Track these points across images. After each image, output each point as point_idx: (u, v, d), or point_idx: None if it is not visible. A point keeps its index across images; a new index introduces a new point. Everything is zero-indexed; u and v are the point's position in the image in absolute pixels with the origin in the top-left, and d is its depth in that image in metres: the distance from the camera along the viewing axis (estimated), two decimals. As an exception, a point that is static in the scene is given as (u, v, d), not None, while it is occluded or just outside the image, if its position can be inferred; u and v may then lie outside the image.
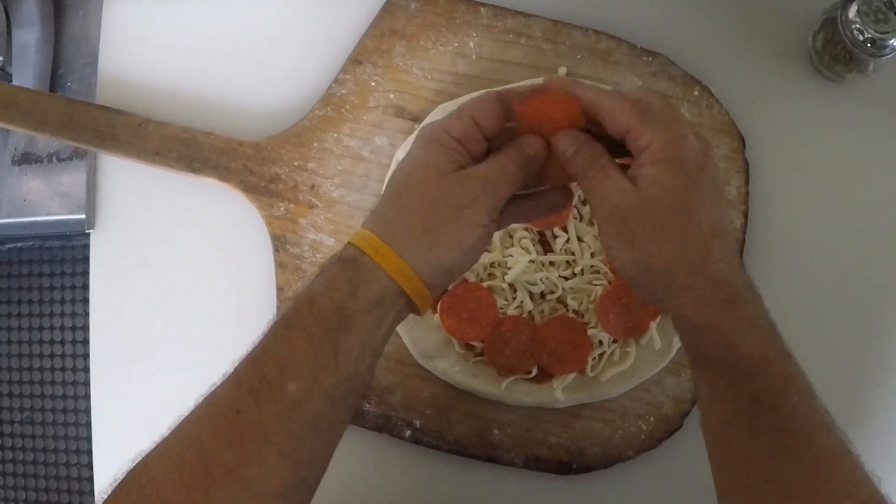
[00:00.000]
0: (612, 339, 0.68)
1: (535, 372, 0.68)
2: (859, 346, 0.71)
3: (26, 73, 0.84)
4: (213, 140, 0.71)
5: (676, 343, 0.68)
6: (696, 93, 0.72)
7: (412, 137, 0.68)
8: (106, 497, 0.45)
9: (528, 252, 0.68)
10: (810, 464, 0.47)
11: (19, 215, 0.92)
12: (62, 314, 1.13)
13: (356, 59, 0.72)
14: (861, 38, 0.68)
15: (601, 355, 0.68)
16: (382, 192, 0.55)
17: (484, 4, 0.73)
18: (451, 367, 0.68)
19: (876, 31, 0.68)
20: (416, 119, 0.71)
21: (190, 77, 0.75)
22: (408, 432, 0.69)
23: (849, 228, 0.72)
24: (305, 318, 0.47)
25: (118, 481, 0.45)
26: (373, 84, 0.72)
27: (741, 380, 0.49)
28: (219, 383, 0.47)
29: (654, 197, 0.48)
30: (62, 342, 1.10)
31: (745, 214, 0.71)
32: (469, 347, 0.69)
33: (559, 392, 0.68)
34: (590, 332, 0.68)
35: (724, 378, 0.50)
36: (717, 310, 0.48)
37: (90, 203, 0.74)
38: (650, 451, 0.69)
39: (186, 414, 0.47)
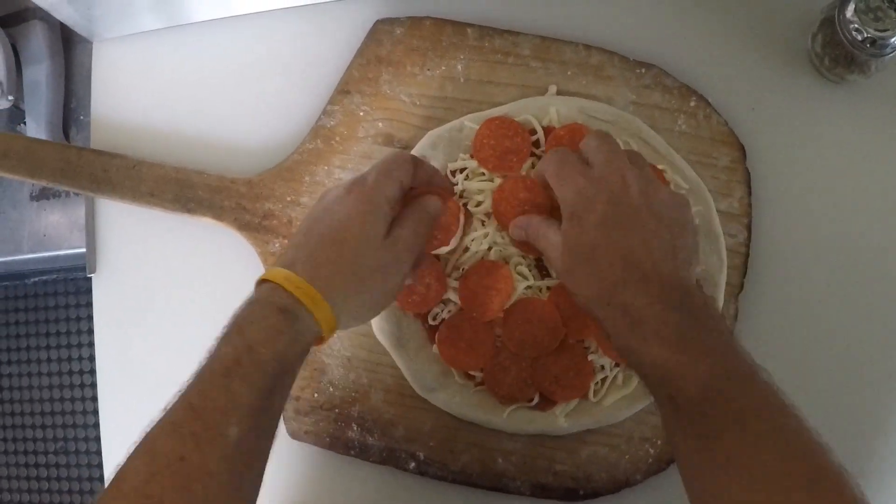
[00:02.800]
0: (613, 363, 0.67)
1: (536, 399, 0.67)
2: (869, 352, 0.69)
3: (38, 109, 0.86)
4: (206, 179, 0.71)
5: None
6: (692, 103, 0.70)
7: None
8: None
9: (525, 278, 0.67)
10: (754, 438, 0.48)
11: (41, 250, 0.95)
12: (90, 344, 1.15)
13: (343, 89, 0.71)
14: (860, 38, 0.65)
15: (604, 380, 0.67)
16: (305, 229, 0.58)
17: (471, 25, 0.72)
18: (452, 399, 0.67)
19: (875, 31, 0.65)
20: (406, 147, 0.70)
21: (181, 116, 0.75)
22: (412, 464, 0.68)
23: (857, 235, 0.70)
24: (246, 367, 0.50)
25: None
26: (361, 114, 0.71)
27: (652, 385, 0.54)
28: (152, 431, 0.48)
29: (568, 248, 0.57)
30: (91, 371, 1.12)
31: (749, 227, 0.69)
32: (469, 377, 0.68)
33: (562, 419, 0.66)
34: (590, 357, 0.67)
35: (650, 385, 0.55)
36: (625, 332, 0.54)
37: (90, 247, 0.75)
38: (658, 475, 0.67)
39: (123, 467, 0.47)
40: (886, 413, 0.68)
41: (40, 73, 0.86)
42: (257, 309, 0.53)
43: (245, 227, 0.71)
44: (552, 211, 0.65)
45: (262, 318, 0.52)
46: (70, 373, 1.13)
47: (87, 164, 0.73)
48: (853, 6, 0.65)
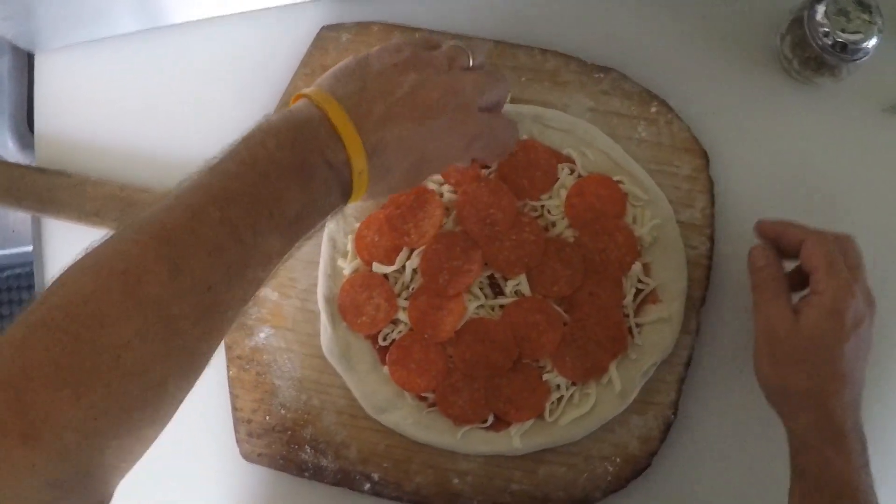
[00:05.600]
0: (570, 382, 0.65)
1: (491, 420, 0.66)
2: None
3: (2, 101, 0.84)
4: (151, 197, 0.69)
5: (639, 382, 0.65)
6: (653, 109, 0.67)
7: None
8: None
9: (477, 297, 0.65)
10: None
11: (10, 246, 0.94)
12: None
13: (288, 100, 0.69)
14: (830, 42, 0.62)
15: (559, 399, 0.65)
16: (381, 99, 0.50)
17: (420, 30, 0.68)
18: (405, 420, 0.66)
19: (847, 35, 0.61)
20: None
21: (126, 129, 0.72)
22: (367, 485, 0.67)
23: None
24: (309, 217, 0.47)
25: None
26: (307, 126, 0.68)
27: (826, 494, 0.56)
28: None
29: (809, 336, 0.56)
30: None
31: (711, 238, 0.67)
32: (422, 398, 0.66)
33: (517, 440, 0.65)
34: (545, 376, 0.65)
35: (813, 490, 0.57)
36: (821, 436, 0.57)
37: (38, 269, 0.74)
38: (618, 492, 0.66)
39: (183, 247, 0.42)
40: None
41: (2, 67, 0.84)
42: (328, 174, 0.47)
43: (192, 245, 0.69)
44: (517, 216, 0.64)
45: (328, 186, 0.47)
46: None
47: (31, 184, 0.71)
48: (823, 8, 0.62)
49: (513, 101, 0.67)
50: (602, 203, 0.65)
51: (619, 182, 0.65)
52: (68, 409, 0.39)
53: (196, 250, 0.42)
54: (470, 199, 0.65)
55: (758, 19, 0.68)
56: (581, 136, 0.66)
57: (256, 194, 0.44)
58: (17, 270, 1.21)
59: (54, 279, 0.41)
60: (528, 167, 0.65)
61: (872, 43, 0.62)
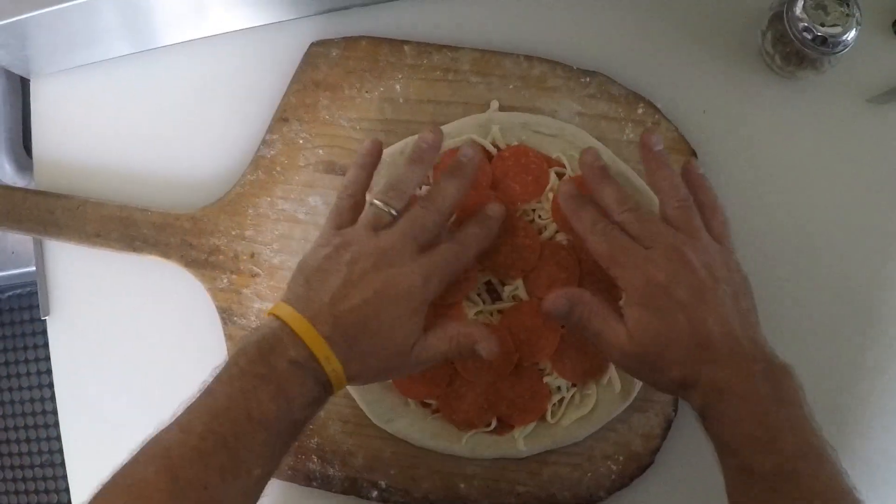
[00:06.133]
0: (570, 384, 0.66)
1: (494, 424, 0.66)
2: (825, 351, 0.68)
3: None
4: (150, 216, 0.70)
5: (639, 381, 0.66)
6: (640, 111, 0.68)
7: None
8: None
9: (475, 304, 0.66)
10: None
11: (10, 267, 0.95)
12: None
13: (281, 116, 0.70)
14: (810, 37, 0.63)
15: (561, 401, 0.66)
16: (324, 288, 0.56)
17: (407, 42, 0.69)
18: (410, 427, 0.67)
19: (826, 29, 0.62)
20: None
21: (123, 151, 0.73)
22: (374, 493, 0.68)
23: (814, 237, 0.68)
24: (283, 421, 0.53)
25: None
26: (301, 141, 0.69)
27: (726, 453, 0.53)
28: (170, 448, 0.50)
29: (640, 342, 0.55)
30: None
31: (703, 235, 0.67)
32: (425, 404, 0.67)
33: (521, 442, 0.66)
34: (546, 378, 0.66)
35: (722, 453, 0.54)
36: (716, 406, 0.53)
37: (42, 290, 0.75)
38: (622, 490, 0.67)
39: (138, 478, 0.50)
40: (843, 412, 0.68)
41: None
42: (296, 370, 0.53)
43: (192, 263, 0.70)
44: (512, 221, 0.65)
45: (300, 380, 0.53)
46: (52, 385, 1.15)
47: (32, 207, 0.72)
48: (801, 3, 0.63)
49: (502, 108, 0.68)
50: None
51: (609, 184, 0.66)
52: None
53: (188, 459, 0.50)
54: (464, 208, 0.66)
55: (739, 16, 0.69)
56: (570, 140, 0.67)
57: (234, 406, 0.52)
58: (19, 291, 1.23)
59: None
60: (520, 172, 0.66)
61: (851, 35, 0.63)
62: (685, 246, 0.56)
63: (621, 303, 0.59)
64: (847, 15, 0.63)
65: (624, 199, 0.59)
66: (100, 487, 0.50)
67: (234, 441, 0.51)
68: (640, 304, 0.55)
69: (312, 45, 0.70)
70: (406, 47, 0.69)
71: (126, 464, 0.51)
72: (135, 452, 0.51)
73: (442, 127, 0.66)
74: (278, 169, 0.70)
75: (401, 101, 0.69)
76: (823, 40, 0.63)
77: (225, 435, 0.51)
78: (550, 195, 0.66)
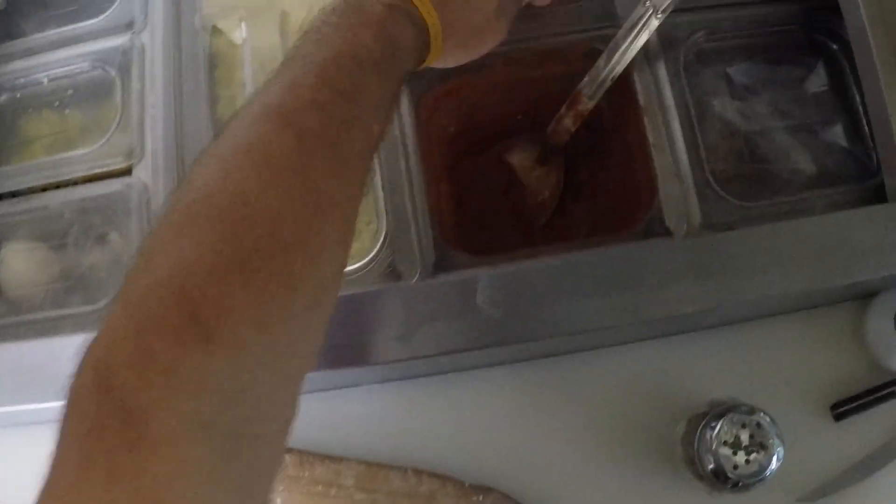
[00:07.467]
0: None
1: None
2: None
3: None
4: None
5: None
6: (541, 531, 0.60)
7: None
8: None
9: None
10: None
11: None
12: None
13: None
14: (722, 479, 0.55)
15: None
16: None
17: (289, 450, 0.64)
18: None
19: (740, 471, 0.54)
20: None
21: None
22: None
23: None
24: (390, 64, 0.49)
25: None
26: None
27: None
28: (284, 101, 0.43)
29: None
30: None
31: None
32: None
33: None
34: None
35: None
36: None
37: None
38: None
39: (254, 132, 0.41)
40: None
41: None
42: (393, 13, 0.50)
43: None
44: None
45: (400, 23, 0.50)
46: None
47: None
48: (713, 440, 0.55)
49: None
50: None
51: None
52: (240, 298, 0.36)
53: (307, 113, 0.43)
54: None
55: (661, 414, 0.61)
56: None
57: (341, 54, 0.46)
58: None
59: (179, 181, 0.42)
60: None
61: (772, 468, 0.55)
62: None
63: None
64: (767, 452, 0.54)
65: None
66: (203, 155, 0.41)
67: (351, 88, 0.45)
68: None
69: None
70: (288, 456, 0.64)
71: (230, 126, 0.43)
72: (232, 119, 0.43)
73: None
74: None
75: (280, 517, 0.63)
76: (736, 483, 0.54)
77: (340, 82, 0.45)
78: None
